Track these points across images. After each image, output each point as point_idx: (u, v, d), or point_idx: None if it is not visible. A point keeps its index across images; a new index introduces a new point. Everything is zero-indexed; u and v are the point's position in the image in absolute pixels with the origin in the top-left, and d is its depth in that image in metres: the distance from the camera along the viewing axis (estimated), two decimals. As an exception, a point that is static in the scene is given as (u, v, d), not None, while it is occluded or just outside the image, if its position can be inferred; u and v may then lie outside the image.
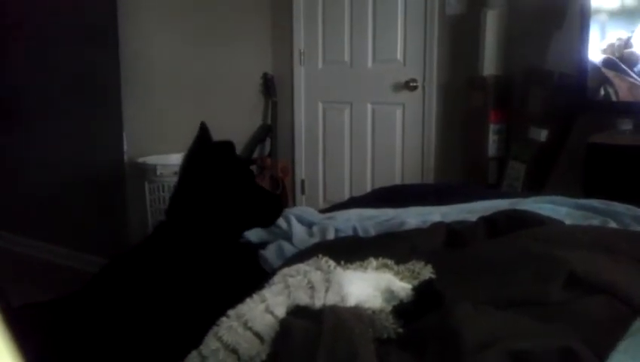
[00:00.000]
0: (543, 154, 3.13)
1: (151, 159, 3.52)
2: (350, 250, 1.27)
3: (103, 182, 3.69)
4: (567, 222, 1.62)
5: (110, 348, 1.20)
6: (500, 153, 3.38)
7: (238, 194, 1.70)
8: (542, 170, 3.14)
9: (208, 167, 1.70)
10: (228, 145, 1.78)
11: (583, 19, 2.92)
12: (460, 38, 3.66)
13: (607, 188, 2.40)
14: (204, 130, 1.73)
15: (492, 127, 3.36)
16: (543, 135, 3.10)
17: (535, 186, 3.06)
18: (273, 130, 4.32)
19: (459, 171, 3.67)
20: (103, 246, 3.50)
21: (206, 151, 1.72)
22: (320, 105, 4.33)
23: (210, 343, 0.89)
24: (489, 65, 3.42)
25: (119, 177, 3.61)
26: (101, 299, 1.38)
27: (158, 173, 3.42)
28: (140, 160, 3.54)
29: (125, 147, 3.56)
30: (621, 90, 2.90)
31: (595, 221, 1.70)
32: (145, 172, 3.51)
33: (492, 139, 3.36)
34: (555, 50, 3.23)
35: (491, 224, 1.47)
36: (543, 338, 0.91)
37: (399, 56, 3.93)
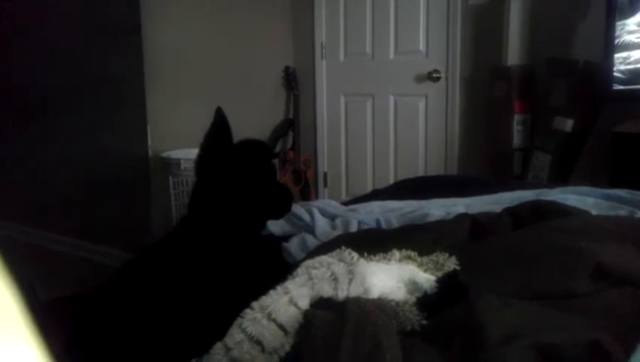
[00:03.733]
0: (568, 144, 3.09)
1: (175, 153, 3.55)
2: (373, 242, 1.26)
3: (128, 177, 3.73)
4: (594, 212, 1.59)
5: (135, 340, 1.21)
6: (525, 144, 3.35)
7: (258, 186, 1.71)
8: (567, 160, 3.10)
9: (232, 161, 1.71)
10: (262, 146, 1.80)
11: (608, 6, 2.87)
12: (483, 28, 3.63)
13: (634, 178, 2.36)
14: (220, 115, 1.73)
15: (516, 118, 3.32)
16: (568, 125, 3.06)
17: (561, 177, 3.03)
18: (295, 124, 4.32)
19: (483, 162, 3.64)
20: (127, 241, 3.54)
21: (233, 146, 1.73)
22: (342, 98, 4.32)
23: (235, 334, 0.90)
24: (513, 54, 3.38)
25: (143, 172, 3.64)
26: (126, 293, 1.39)
27: (182, 167, 3.44)
28: (164, 154, 3.57)
29: (149, 141, 3.58)
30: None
31: (622, 211, 1.68)
32: (169, 166, 3.53)
33: (516, 129, 3.33)
34: (580, 38, 3.19)
35: (516, 215, 1.46)
36: (569, 330, 0.90)
37: (422, 47, 3.90)
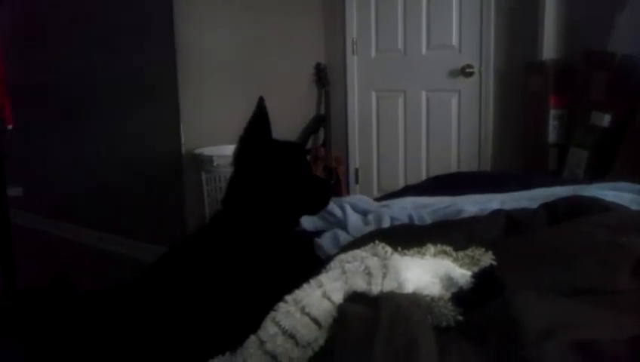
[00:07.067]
0: (606, 139, 3.03)
1: (207, 150, 3.58)
2: (407, 238, 1.25)
3: (161, 173, 3.77)
4: (633, 208, 1.56)
5: (168, 333, 1.22)
6: (561, 139, 3.29)
7: (293, 181, 1.71)
8: (605, 156, 3.04)
9: (267, 158, 1.70)
10: (297, 148, 1.80)
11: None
12: (517, 21, 3.57)
13: (675, 174, 2.30)
14: (261, 105, 1.73)
15: (552, 113, 3.27)
16: (605, 120, 3.00)
17: (597, 173, 2.97)
18: (327, 120, 4.32)
19: (517, 158, 3.59)
20: (161, 236, 3.58)
21: (271, 140, 1.73)
22: (373, 94, 4.30)
23: (269, 328, 0.89)
24: (548, 48, 3.33)
25: (177, 168, 3.69)
26: (159, 287, 1.40)
27: (214, 163, 3.47)
28: (197, 151, 3.60)
29: (183, 138, 3.62)
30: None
31: (663, 208, 1.63)
32: (202, 163, 3.56)
33: (552, 125, 3.27)
34: (618, 31, 3.11)
35: (553, 211, 1.42)
36: (609, 327, 0.88)
37: (454, 42, 3.86)
